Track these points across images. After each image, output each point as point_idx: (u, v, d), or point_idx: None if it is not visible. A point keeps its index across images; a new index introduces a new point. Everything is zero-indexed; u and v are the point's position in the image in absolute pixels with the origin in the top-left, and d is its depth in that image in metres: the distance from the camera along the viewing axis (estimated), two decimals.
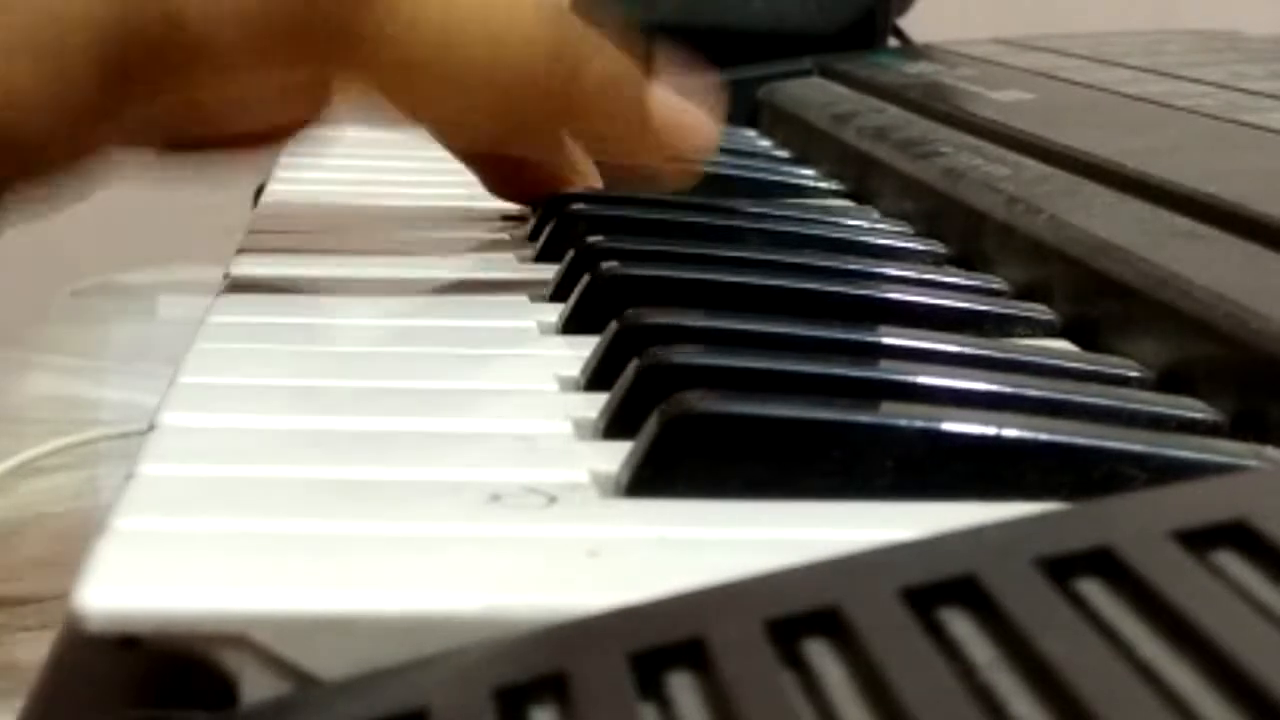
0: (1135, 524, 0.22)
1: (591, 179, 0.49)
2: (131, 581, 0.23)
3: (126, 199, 0.49)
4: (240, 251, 0.45)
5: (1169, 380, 0.35)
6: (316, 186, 0.56)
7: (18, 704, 0.27)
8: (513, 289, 0.43)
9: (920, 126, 0.58)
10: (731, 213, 0.49)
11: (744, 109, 0.73)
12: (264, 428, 0.31)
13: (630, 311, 0.35)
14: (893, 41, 0.83)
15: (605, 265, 0.39)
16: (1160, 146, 0.49)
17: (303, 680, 0.23)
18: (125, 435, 0.59)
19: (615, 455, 0.29)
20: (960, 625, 0.21)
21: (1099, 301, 0.39)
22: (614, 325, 0.35)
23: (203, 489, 0.27)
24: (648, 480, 0.28)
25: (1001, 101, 0.60)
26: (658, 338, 0.33)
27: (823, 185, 0.58)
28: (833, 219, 0.51)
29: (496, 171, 0.50)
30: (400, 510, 0.27)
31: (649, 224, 0.46)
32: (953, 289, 0.43)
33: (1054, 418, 0.31)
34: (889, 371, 0.33)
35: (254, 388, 0.33)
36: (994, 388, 0.32)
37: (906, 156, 0.54)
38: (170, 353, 0.36)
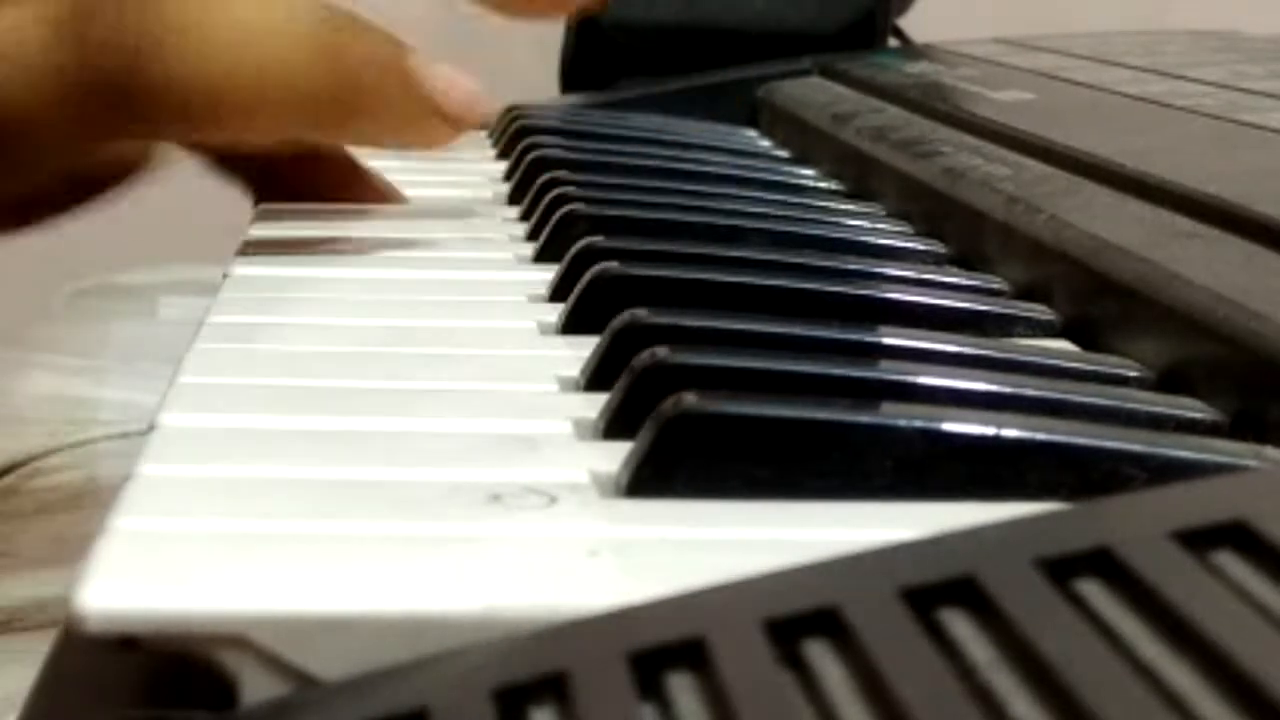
0: (1135, 524, 0.22)
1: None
2: (131, 582, 0.23)
3: (127, 199, 0.49)
4: (240, 251, 0.45)
5: (1169, 380, 0.35)
6: None
7: (18, 704, 0.27)
8: (512, 289, 0.43)
9: (920, 126, 0.58)
10: (731, 213, 0.49)
11: (744, 109, 0.73)
12: (264, 428, 0.31)
13: (630, 311, 0.35)
14: (893, 41, 0.83)
15: (605, 265, 0.39)
16: (1160, 146, 0.49)
17: (303, 681, 0.23)
18: (125, 435, 0.59)
19: (615, 455, 0.29)
20: (960, 625, 0.21)
21: (1099, 301, 0.39)
22: (614, 325, 0.35)
23: (203, 489, 0.27)
24: (648, 480, 0.28)
25: (1001, 101, 0.60)
26: (657, 338, 0.33)
27: (823, 185, 0.58)
28: (833, 219, 0.51)
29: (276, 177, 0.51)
30: (400, 510, 0.27)
31: (649, 224, 0.46)
32: (953, 289, 0.43)
33: (1054, 418, 0.31)
34: (889, 372, 0.33)
35: (254, 388, 0.33)
36: (994, 388, 0.32)
37: (906, 156, 0.54)
38: (170, 353, 0.36)
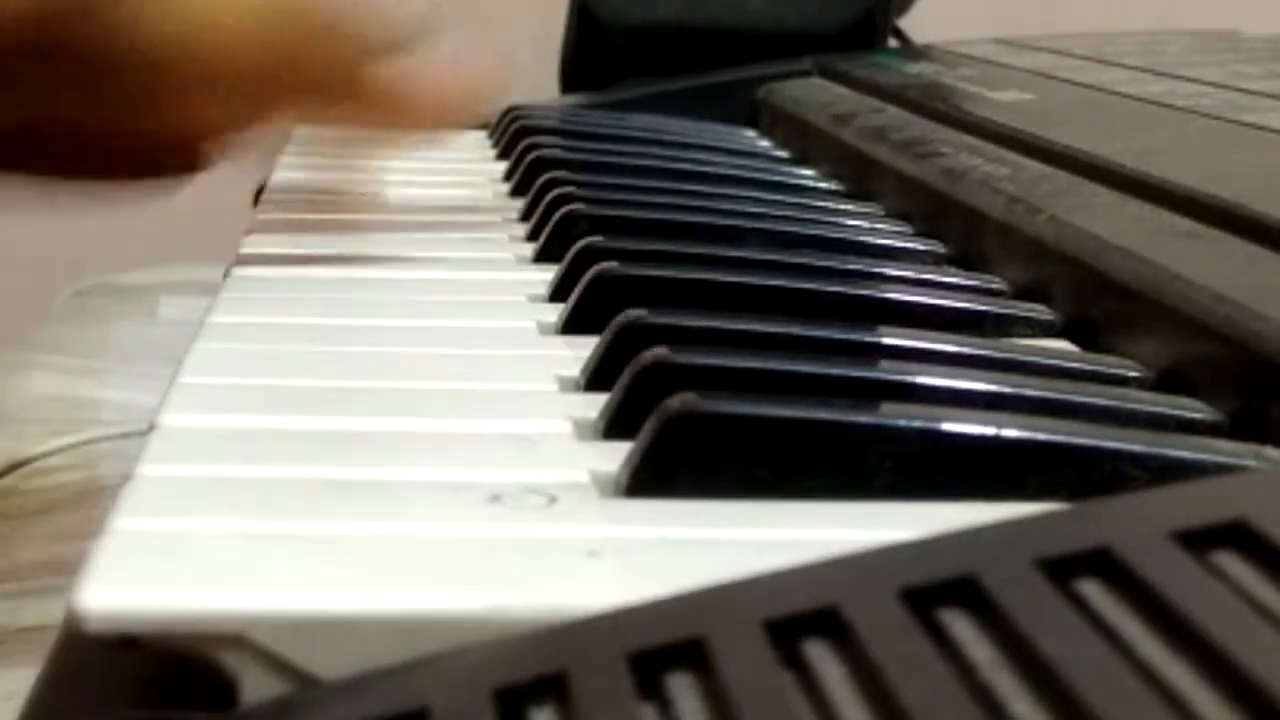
0: (1135, 524, 0.22)
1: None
2: (131, 582, 0.23)
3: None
4: (241, 252, 0.45)
5: (1169, 380, 0.35)
6: (316, 187, 0.56)
7: (18, 705, 0.27)
8: (512, 289, 0.43)
9: (920, 126, 0.58)
10: (731, 213, 0.49)
11: (744, 109, 0.73)
12: (264, 428, 0.31)
13: (630, 312, 0.35)
14: (893, 41, 0.83)
15: (605, 265, 0.39)
16: (1160, 146, 0.49)
17: (303, 680, 0.23)
18: (125, 435, 0.59)
19: (615, 455, 0.29)
20: (960, 625, 0.21)
21: (1099, 301, 0.39)
22: (614, 325, 0.35)
23: (203, 489, 0.27)
24: (647, 480, 0.28)
25: (1001, 101, 0.60)
26: (657, 338, 0.33)
27: (822, 185, 0.58)
28: (832, 219, 0.51)
29: None
30: (400, 510, 0.27)
31: (649, 224, 0.46)
32: (952, 289, 0.43)
33: (1054, 418, 0.31)
34: (889, 372, 0.33)
35: (254, 388, 0.33)
36: (993, 388, 0.32)
37: (906, 156, 0.54)
38: (170, 353, 0.36)
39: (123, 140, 0.46)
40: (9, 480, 0.59)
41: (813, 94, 0.69)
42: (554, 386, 0.34)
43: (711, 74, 0.76)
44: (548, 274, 0.43)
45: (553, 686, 0.21)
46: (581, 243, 0.42)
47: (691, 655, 0.21)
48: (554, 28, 0.81)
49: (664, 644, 0.21)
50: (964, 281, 0.44)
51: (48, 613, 0.53)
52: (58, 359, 0.69)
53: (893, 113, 0.62)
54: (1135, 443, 0.29)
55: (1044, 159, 0.49)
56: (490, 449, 0.30)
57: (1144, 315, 0.36)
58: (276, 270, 0.44)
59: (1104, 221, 0.41)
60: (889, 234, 0.50)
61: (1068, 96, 0.61)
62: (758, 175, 0.59)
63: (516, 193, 0.56)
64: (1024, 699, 0.19)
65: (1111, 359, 0.37)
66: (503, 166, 0.61)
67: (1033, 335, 0.40)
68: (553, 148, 0.58)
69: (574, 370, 0.35)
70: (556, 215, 0.47)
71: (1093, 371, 0.36)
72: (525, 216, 0.52)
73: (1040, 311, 0.41)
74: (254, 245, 0.46)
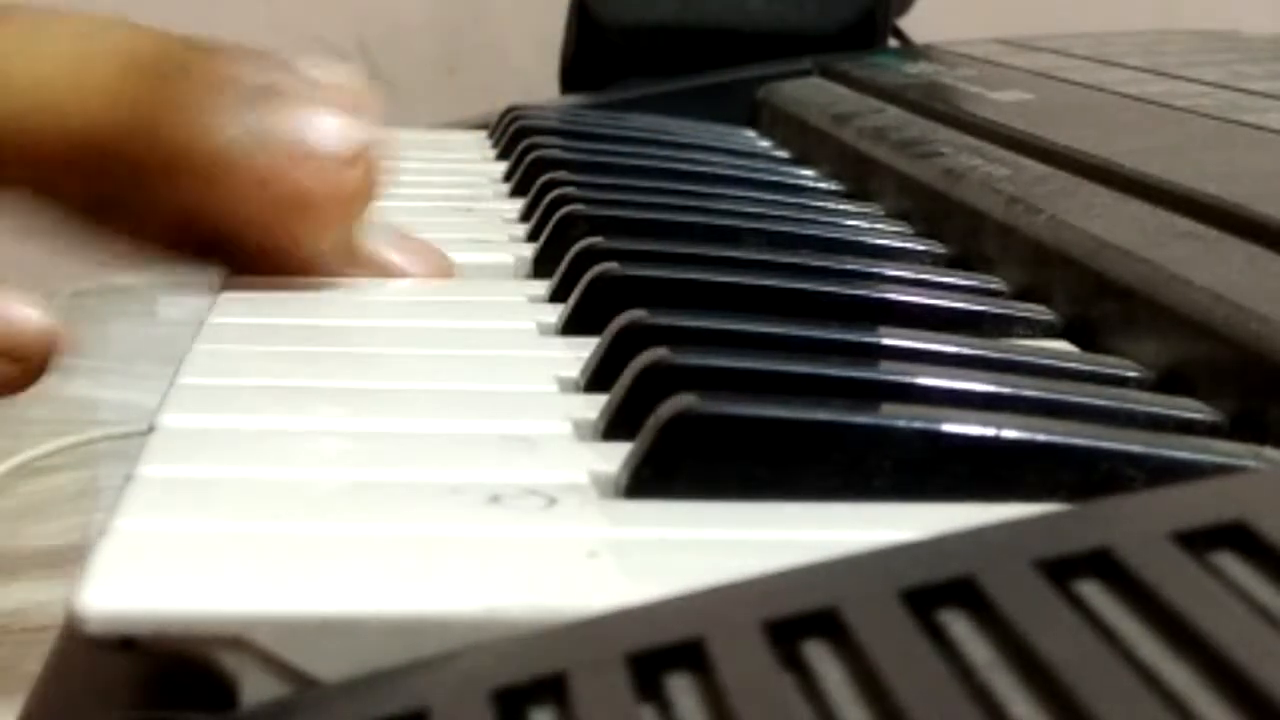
0: (1134, 525, 0.22)
1: None
2: (131, 583, 0.23)
3: None
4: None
5: (1168, 380, 0.35)
6: None
7: (18, 705, 0.27)
8: (511, 289, 0.43)
9: (920, 126, 0.58)
10: (731, 213, 0.49)
11: (744, 109, 0.73)
12: (263, 428, 0.31)
13: (630, 312, 0.35)
14: (893, 41, 0.83)
15: (605, 266, 0.39)
16: (1160, 146, 0.49)
17: (302, 682, 0.23)
18: (125, 435, 0.59)
19: (615, 456, 0.29)
20: (959, 626, 0.21)
21: (1099, 302, 0.39)
22: (613, 326, 0.35)
23: (202, 490, 0.27)
24: (647, 481, 0.28)
25: (1001, 101, 0.60)
26: (657, 338, 0.33)
27: (822, 186, 0.58)
28: (832, 219, 0.51)
29: None
30: (400, 511, 0.27)
31: (648, 224, 0.46)
32: (952, 289, 0.43)
33: (1053, 418, 0.31)
34: (888, 372, 0.33)
35: (254, 388, 0.33)
36: (993, 388, 0.32)
37: (906, 157, 0.54)
38: (170, 353, 0.36)
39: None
40: (9, 480, 0.59)
41: (812, 94, 0.69)
42: (554, 387, 0.34)
43: (711, 74, 0.76)
44: (547, 274, 0.43)
45: (552, 687, 0.21)
46: (581, 243, 0.42)
47: (691, 656, 0.21)
48: (554, 28, 0.82)
49: (663, 645, 0.21)
50: (963, 282, 0.44)
51: (47, 613, 0.53)
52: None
53: (893, 113, 0.62)
54: (1134, 443, 0.29)
55: (1044, 159, 0.49)
56: (490, 450, 0.30)
57: (1144, 316, 0.36)
58: None
59: (1104, 222, 0.41)
60: (889, 234, 0.50)
61: (1068, 96, 0.61)
62: (757, 175, 0.59)
63: (516, 193, 0.56)
64: (1023, 699, 0.19)
65: (1111, 359, 0.37)
66: (502, 167, 0.61)
67: (1032, 336, 0.40)
68: (552, 148, 0.58)
69: (574, 371, 0.35)
70: (556, 216, 0.47)
71: (1092, 372, 0.36)
72: (525, 217, 0.52)
73: (1040, 312, 0.41)
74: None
